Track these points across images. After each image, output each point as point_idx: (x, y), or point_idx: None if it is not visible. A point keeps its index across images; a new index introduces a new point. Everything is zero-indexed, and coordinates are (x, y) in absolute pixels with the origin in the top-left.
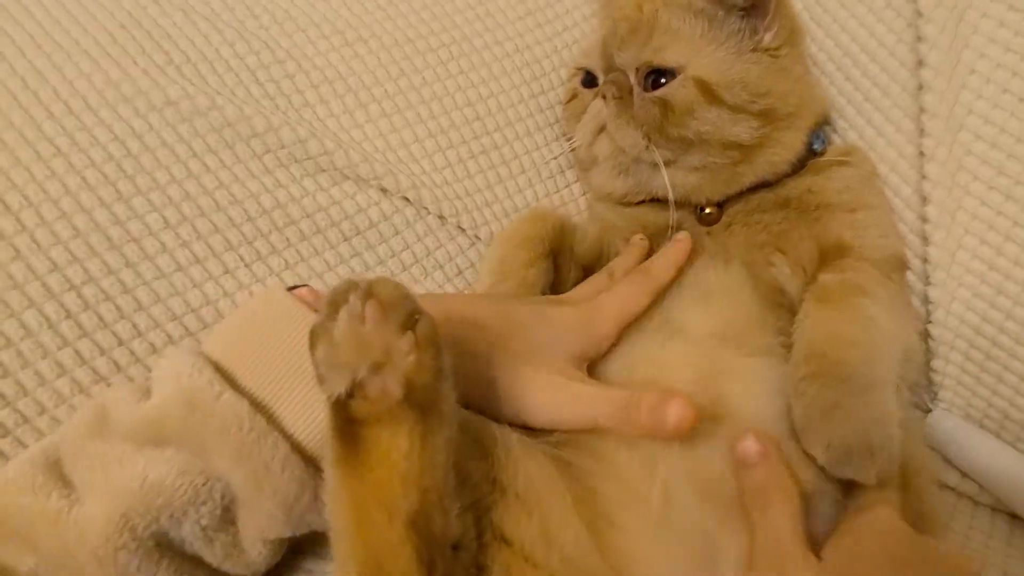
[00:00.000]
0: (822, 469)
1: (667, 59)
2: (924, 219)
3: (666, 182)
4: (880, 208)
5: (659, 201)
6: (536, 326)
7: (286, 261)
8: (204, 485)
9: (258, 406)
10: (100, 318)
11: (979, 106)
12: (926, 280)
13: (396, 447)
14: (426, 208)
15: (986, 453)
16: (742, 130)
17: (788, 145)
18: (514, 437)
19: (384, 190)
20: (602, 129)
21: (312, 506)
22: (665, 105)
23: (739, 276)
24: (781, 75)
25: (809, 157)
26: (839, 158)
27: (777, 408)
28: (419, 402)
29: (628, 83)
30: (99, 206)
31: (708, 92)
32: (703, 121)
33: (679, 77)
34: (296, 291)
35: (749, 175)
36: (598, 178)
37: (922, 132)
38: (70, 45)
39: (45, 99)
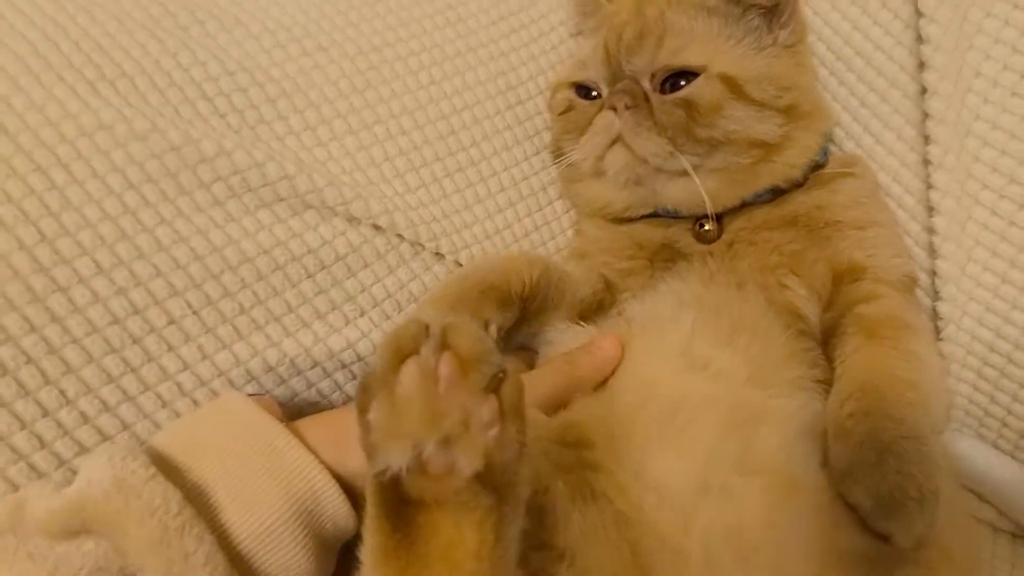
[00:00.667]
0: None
1: (687, 60)
2: (932, 231)
3: (699, 187)
4: (888, 224)
5: (656, 216)
6: None
7: (240, 305)
8: None
9: (193, 496)
10: (43, 374)
11: (986, 111)
12: (935, 295)
13: (461, 541)
14: (399, 235)
15: (1003, 476)
16: (767, 128)
17: (806, 147)
18: (559, 484)
19: (351, 218)
20: (615, 141)
21: None
22: (690, 105)
23: (757, 303)
24: (801, 70)
25: (813, 169)
26: (843, 169)
27: (807, 452)
28: (495, 484)
29: (641, 90)
30: (18, 249)
31: (735, 88)
32: (731, 119)
33: (702, 76)
34: (256, 397)
35: (767, 177)
36: (601, 192)
37: (928, 139)
38: None
39: None
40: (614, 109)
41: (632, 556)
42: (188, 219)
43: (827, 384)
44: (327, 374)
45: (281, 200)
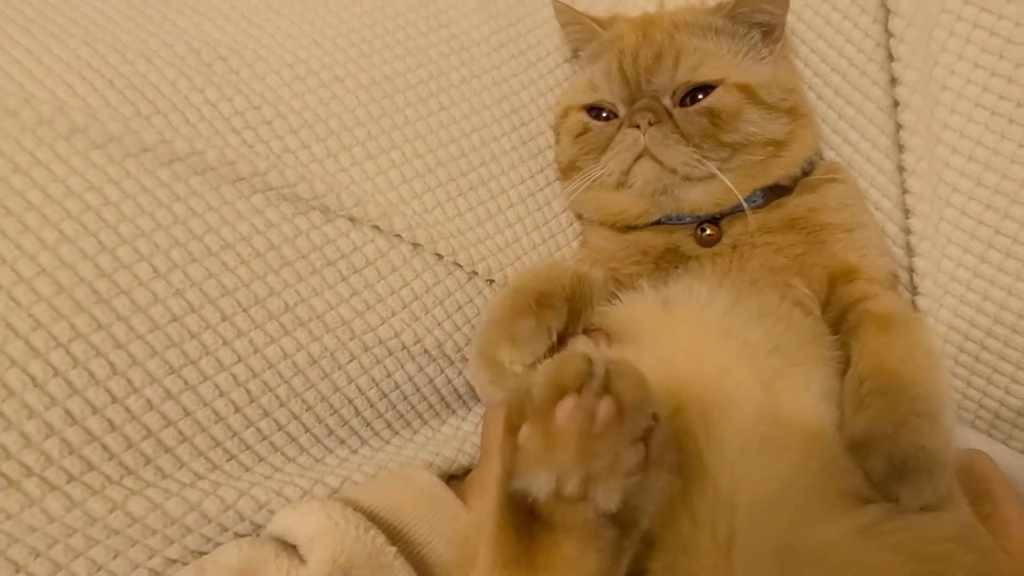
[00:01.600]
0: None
1: (706, 75)
2: (908, 232)
3: (729, 186)
4: (872, 226)
5: (659, 223)
6: None
7: (285, 303)
8: None
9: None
10: (91, 375)
11: (954, 121)
12: (913, 290)
13: (582, 564)
14: (421, 244)
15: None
16: (777, 127)
17: (807, 144)
18: None
19: (378, 228)
20: (640, 156)
21: None
22: (713, 113)
23: (773, 295)
24: (795, 76)
25: (801, 177)
26: (829, 176)
27: (824, 414)
28: (622, 521)
29: (663, 107)
30: (82, 259)
31: (751, 94)
32: (749, 123)
33: (720, 87)
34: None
35: (776, 170)
36: (619, 202)
37: (902, 148)
38: (25, 93)
39: (7, 150)
40: (636, 126)
41: (692, 523)
42: (232, 226)
43: (841, 364)
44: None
45: (313, 209)
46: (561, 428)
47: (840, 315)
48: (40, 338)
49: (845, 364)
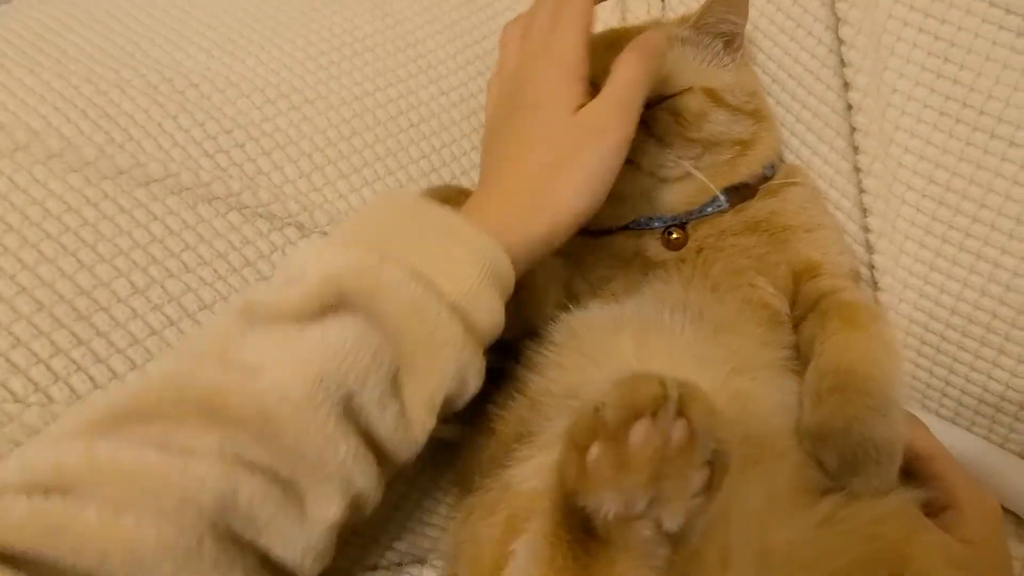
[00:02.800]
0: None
1: (676, 86)
2: (867, 230)
3: (705, 181)
4: (832, 227)
5: (627, 228)
6: None
7: None
8: (379, 350)
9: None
10: (72, 390)
11: (904, 122)
12: (874, 286)
13: None
14: None
15: (945, 440)
16: (742, 128)
17: (770, 145)
18: None
19: None
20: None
21: (471, 361)
22: (676, 112)
23: (732, 303)
24: (756, 81)
25: (763, 181)
26: (789, 180)
27: (785, 421)
28: (677, 539)
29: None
30: (60, 277)
31: (716, 97)
32: (716, 123)
33: (687, 91)
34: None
35: (743, 168)
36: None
37: (857, 150)
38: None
39: None
40: None
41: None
42: (209, 244)
43: (795, 362)
44: None
45: (289, 225)
46: (635, 451)
47: (810, 307)
48: (21, 355)
49: (803, 352)
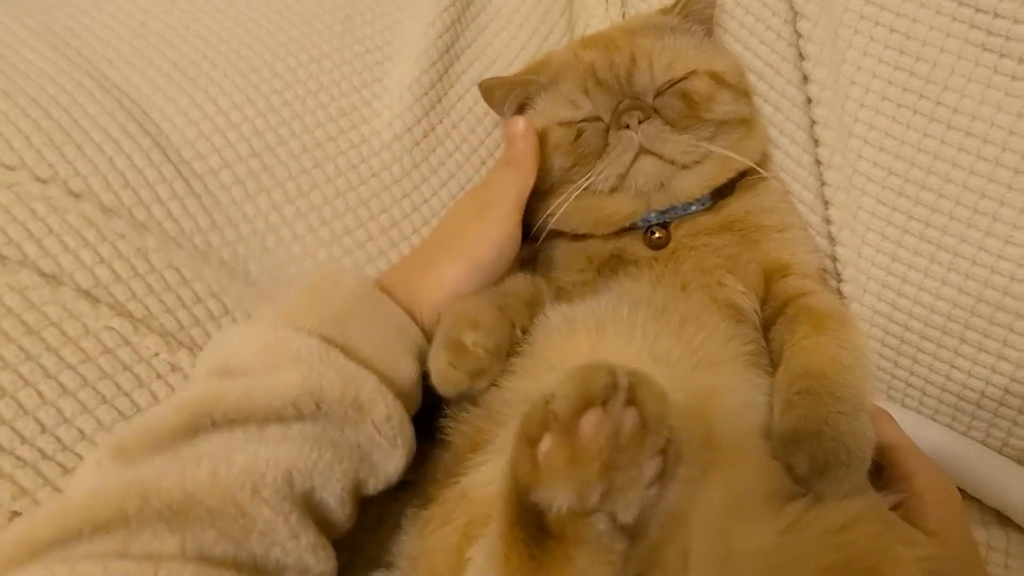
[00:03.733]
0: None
1: (682, 69)
2: (829, 222)
3: (729, 153)
4: (801, 226)
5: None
6: None
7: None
8: (341, 444)
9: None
10: (20, 405)
11: (863, 114)
12: (838, 278)
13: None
14: None
15: (909, 429)
16: (741, 107)
17: (764, 131)
18: None
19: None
20: (638, 155)
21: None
22: (686, 95)
23: (700, 300)
24: (740, 61)
25: (736, 179)
26: (762, 174)
27: (750, 423)
28: (634, 532)
29: (648, 105)
30: (8, 291)
31: (720, 80)
32: (724, 103)
33: (693, 74)
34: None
35: (748, 153)
36: (613, 205)
37: (817, 142)
38: None
39: None
40: (626, 127)
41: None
42: (158, 296)
43: (761, 357)
44: None
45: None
46: (586, 442)
47: (779, 308)
48: None
49: (774, 355)
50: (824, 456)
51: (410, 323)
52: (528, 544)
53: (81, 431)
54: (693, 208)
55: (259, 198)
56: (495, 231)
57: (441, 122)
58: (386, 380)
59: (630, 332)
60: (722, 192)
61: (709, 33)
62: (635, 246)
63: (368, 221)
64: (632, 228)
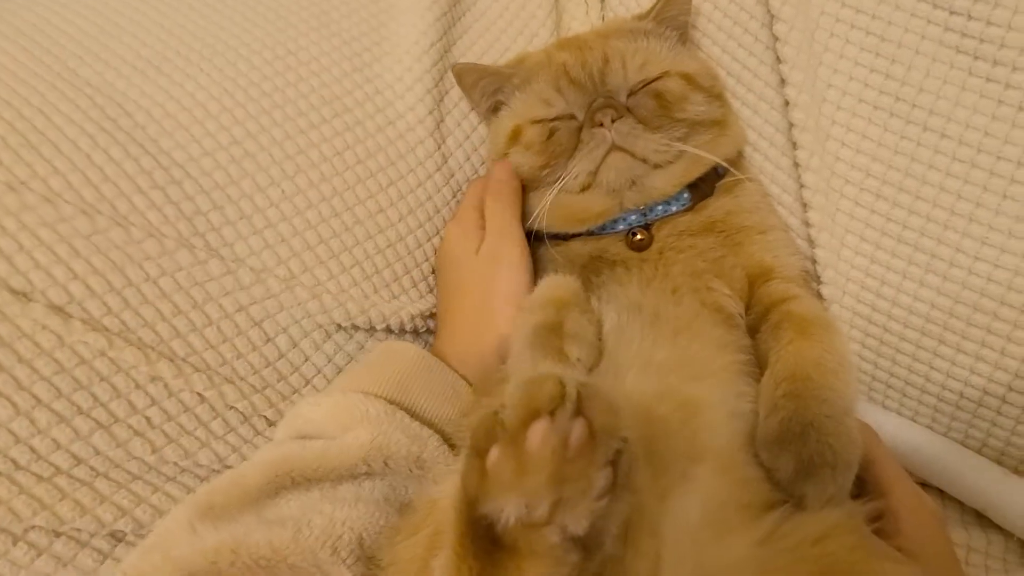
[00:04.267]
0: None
1: (654, 70)
2: (808, 224)
3: (700, 152)
4: (782, 227)
5: (590, 234)
6: None
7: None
8: (402, 507)
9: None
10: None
11: (840, 116)
12: (818, 280)
13: None
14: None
15: (890, 430)
16: (713, 108)
17: (739, 131)
18: None
19: (280, 302)
20: (610, 151)
21: None
22: (659, 95)
23: (691, 305)
24: (713, 66)
25: (716, 181)
26: (742, 175)
27: (734, 432)
28: (587, 544)
29: (621, 104)
30: None
31: (692, 81)
32: (696, 104)
33: (665, 75)
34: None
35: (721, 150)
36: (584, 203)
37: (795, 145)
38: None
39: None
40: (599, 125)
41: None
42: (135, 311)
43: (752, 366)
44: None
45: (227, 294)
46: (534, 452)
47: (763, 314)
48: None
49: (760, 362)
50: (810, 458)
51: (463, 383)
52: (479, 557)
53: (56, 441)
54: (673, 208)
55: (243, 182)
56: (519, 267)
57: (431, 114)
58: (445, 438)
59: (628, 343)
60: (704, 193)
61: (683, 41)
62: (617, 248)
63: (355, 205)
64: (615, 231)
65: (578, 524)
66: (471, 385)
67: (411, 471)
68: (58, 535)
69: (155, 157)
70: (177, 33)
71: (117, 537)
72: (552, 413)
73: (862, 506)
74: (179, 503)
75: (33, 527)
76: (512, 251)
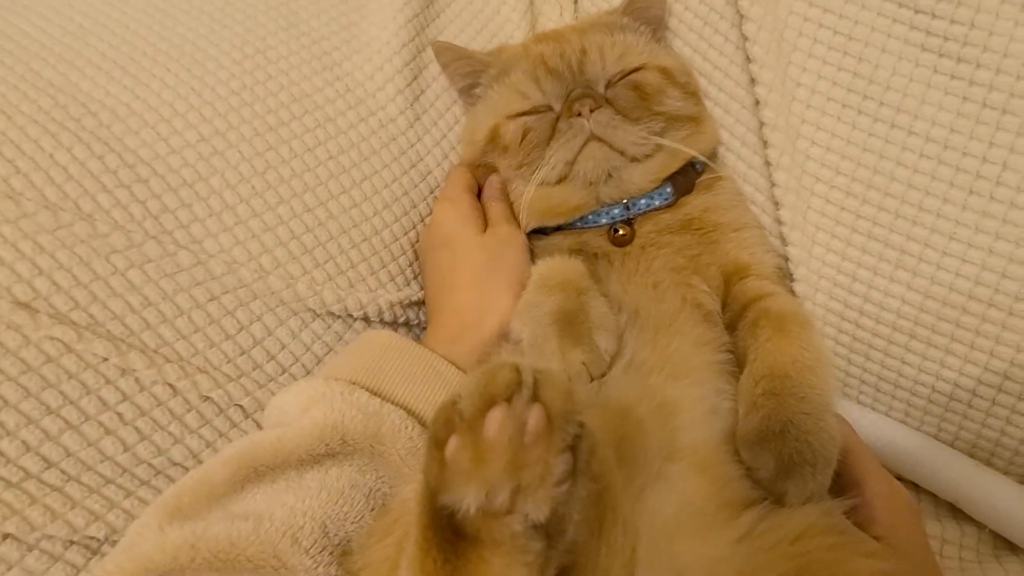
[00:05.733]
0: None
1: (633, 62)
2: (780, 222)
3: (679, 146)
4: (756, 225)
5: (571, 227)
6: None
7: (179, 353)
8: (372, 489)
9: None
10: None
11: (810, 115)
12: (790, 277)
13: None
14: (306, 307)
15: (865, 426)
16: (689, 105)
17: (713, 129)
18: None
19: (257, 297)
20: (587, 141)
21: None
22: (638, 87)
23: (672, 302)
24: (689, 64)
25: (695, 177)
26: (720, 171)
27: (714, 431)
28: (550, 532)
29: (600, 94)
30: None
31: (669, 76)
32: (673, 98)
33: (643, 68)
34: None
35: (697, 146)
36: (561, 195)
37: (766, 144)
38: None
39: None
40: (578, 115)
41: (608, 551)
42: (103, 304)
43: (732, 364)
44: None
45: (198, 284)
46: (491, 440)
47: (740, 311)
48: None
49: (738, 359)
50: (789, 455)
51: (447, 365)
52: (443, 548)
53: (25, 443)
54: (656, 203)
55: (212, 179)
56: (527, 251)
57: (403, 113)
58: (417, 416)
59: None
60: (685, 188)
61: (659, 40)
62: (599, 242)
63: (328, 200)
64: (597, 224)
65: (539, 511)
66: (463, 370)
67: (372, 447)
68: (30, 549)
69: (120, 155)
70: (143, 34)
71: (91, 548)
72: (509, 400)
73: (841, 502)
74: (149, 505)
75: (7, 536)
76: (520, 237)
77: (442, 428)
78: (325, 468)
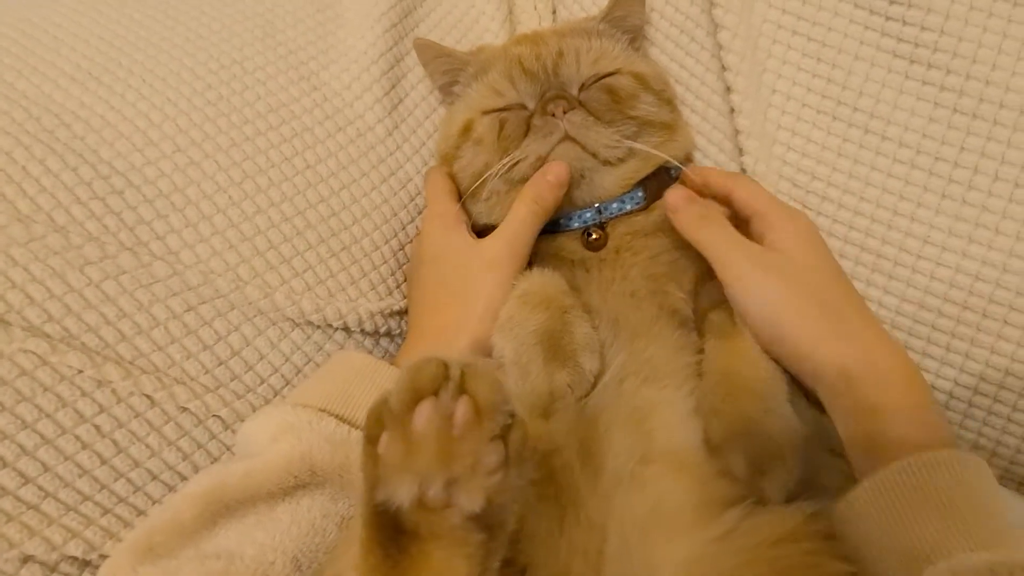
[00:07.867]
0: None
1: (607, 67)
2: None
3: (650, 150)
4: None
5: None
6: None
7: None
8: (344, 517)
9: None
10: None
11: (785, 121)
12: None
13: (451, 572)
14: (284, 317)
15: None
16: (663, 112)
17: (687, 136)
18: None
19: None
20: (561, 140)
21: None
22: (612, 91)
23: (649, 309)
24: (665, 72)
25: (670, 182)
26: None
27: (691, 431)
28: (488, 523)
29: (574, 96)
30: None
31: (643, 81)
32: (647, 103)
33: (618, 73)
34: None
35: (670, 151)
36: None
37: (741, 151)
38: None
39: None
40: (551, 115)
41: (569, 550)
42: (78, 316)
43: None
44: None
45: (174, 295)
46: (420, 433)
47: (703, 315)
48: None
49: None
50: (759, 453)
51: None
52: (384, 544)
53: (1, 458)
54: (628, 206)
55: (188, 189)
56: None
57: (381, 122)
58: None
59: None
60: (657, 194)
61: (636, 48)
62: (573, 246)
63: (306, 210)
64: (569, 227)
65: (473, 501)
66: None
67: (341, 477)
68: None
69: (94, 167)
70: (118, 45)
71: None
72: (436, 393)
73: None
74: (119, 544)
75: None
76: (512, 268)
77: (374, 425)
78: (296, 499)
